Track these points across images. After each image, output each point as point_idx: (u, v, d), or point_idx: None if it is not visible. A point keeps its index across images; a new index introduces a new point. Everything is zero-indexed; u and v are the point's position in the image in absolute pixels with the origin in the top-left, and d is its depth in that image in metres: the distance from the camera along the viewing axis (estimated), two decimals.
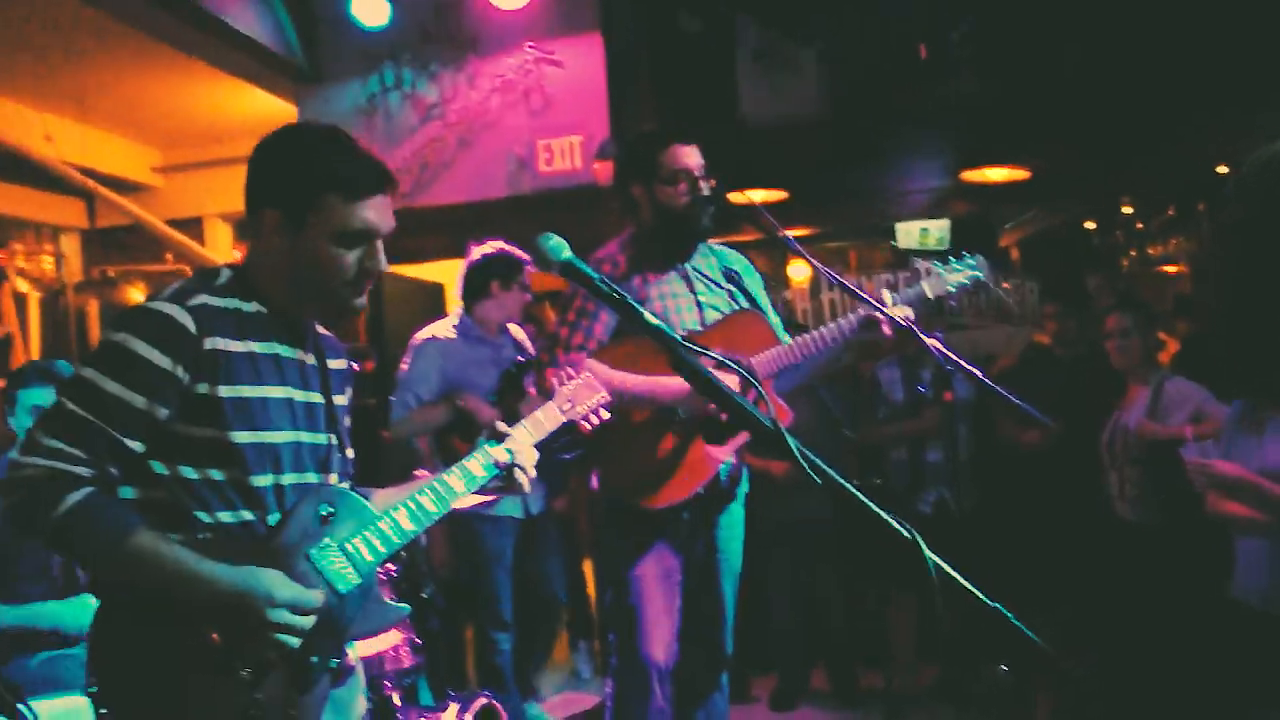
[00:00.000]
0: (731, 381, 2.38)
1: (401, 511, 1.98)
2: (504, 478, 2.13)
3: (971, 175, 6.64)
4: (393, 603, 2.04)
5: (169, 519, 1.76)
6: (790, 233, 3.14)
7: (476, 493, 2.11)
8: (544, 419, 2.24)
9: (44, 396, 3.08)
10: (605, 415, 2.35)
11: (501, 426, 2.16)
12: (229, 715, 1.71)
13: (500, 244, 4.50)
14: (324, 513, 1.90)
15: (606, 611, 3.29)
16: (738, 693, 4.54)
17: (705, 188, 3.04)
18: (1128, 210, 8.20)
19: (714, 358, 1.61)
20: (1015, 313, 7.30)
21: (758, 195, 6.23)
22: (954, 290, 3.15)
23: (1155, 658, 3.82)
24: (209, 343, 1.78)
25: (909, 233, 7.32)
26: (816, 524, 4.84)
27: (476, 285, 4.49)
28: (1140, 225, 8.22)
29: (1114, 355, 4.44)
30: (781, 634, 5.15)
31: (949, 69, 5.73)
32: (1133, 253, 8.41)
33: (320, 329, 2.07)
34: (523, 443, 2.16)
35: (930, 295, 3.11)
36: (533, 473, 2.15)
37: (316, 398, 1.98)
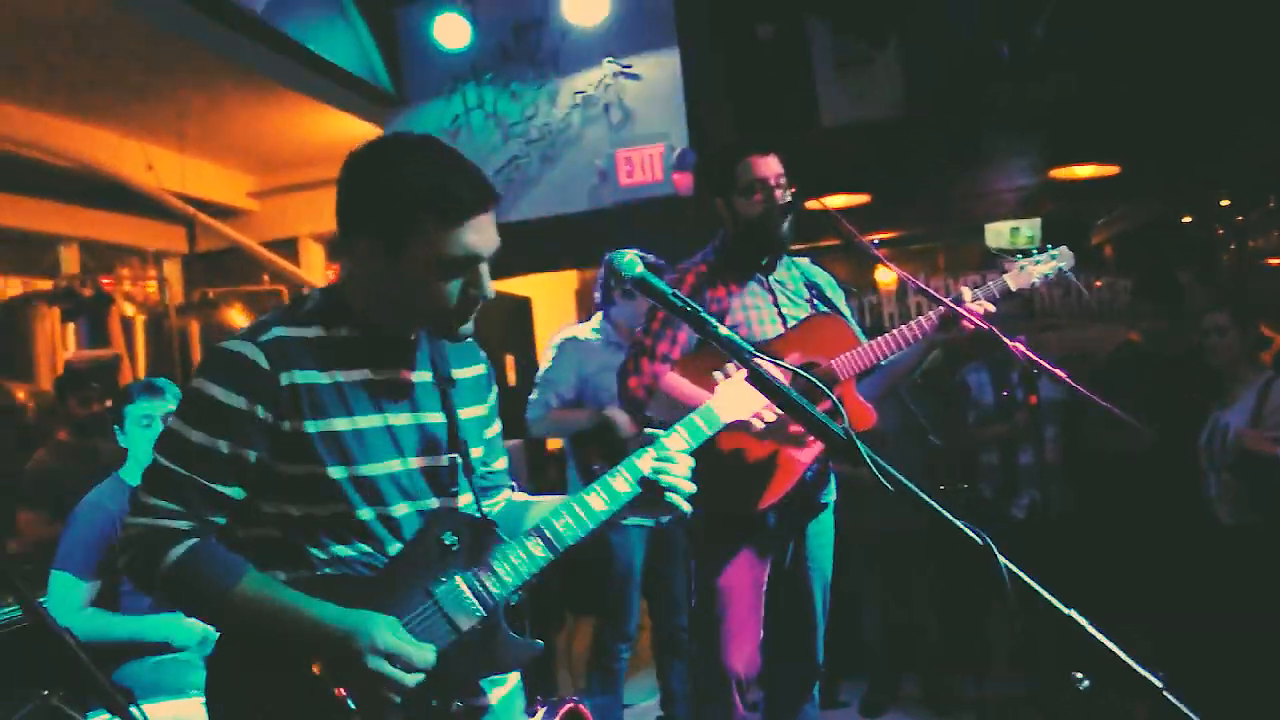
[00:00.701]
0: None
1: (534, 539, 1.80)
2: (649, 495, 1.86)
3: (1060, 172, 6.52)
4: (523, 639, 1.82)
5: (285, 556, 1.71)
6: (874, 236, 3.12)
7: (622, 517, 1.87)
8: (702, 423, 1.96)
9: (149, 408, 3.21)
10: (770, 417, 2.13)
11: (652, 431, 1.92)
12: None
13: (636, 251, 4.46)
14: (448, 542, 1.76)
15: (691, 619, 3.31)
16: (826, 698, 4.51)
17: (783, 197, 3.04)
18: (1225, 203, 7.94)
19: (787, 367, 1.62)
20: (1095, 310, 7.14)
21: (839, 200, 6.21)
22: (1038, 282, 3.07)
23: (1256, 665, 3.70)
24: (285, 378, 1.67)
25: (999, 233, 7.20)
26: (907, 530, 4.79)
27: (609, 290, 4.46)
28: (1240, 219, 7.95)
29: (1210, 353, 4.32)
30: (871, 640, 5.11)
31: (1032, 65, 5.63)
32: (1233, 246, 8.13)
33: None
34: (677, 450, 1.90)
35: (1013, 288, 3.04)
36: (688, 485, 1.88)
37: (433, 417, 1.82)
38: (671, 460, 1.86)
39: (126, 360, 6.94)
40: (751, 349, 1.62)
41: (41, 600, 3.24)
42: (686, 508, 1.86)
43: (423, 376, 1.83)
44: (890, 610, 5.11)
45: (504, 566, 1.77)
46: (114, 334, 6.95)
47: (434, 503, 1.80)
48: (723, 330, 1.63)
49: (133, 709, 1.27)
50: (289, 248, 9.18)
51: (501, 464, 2.01)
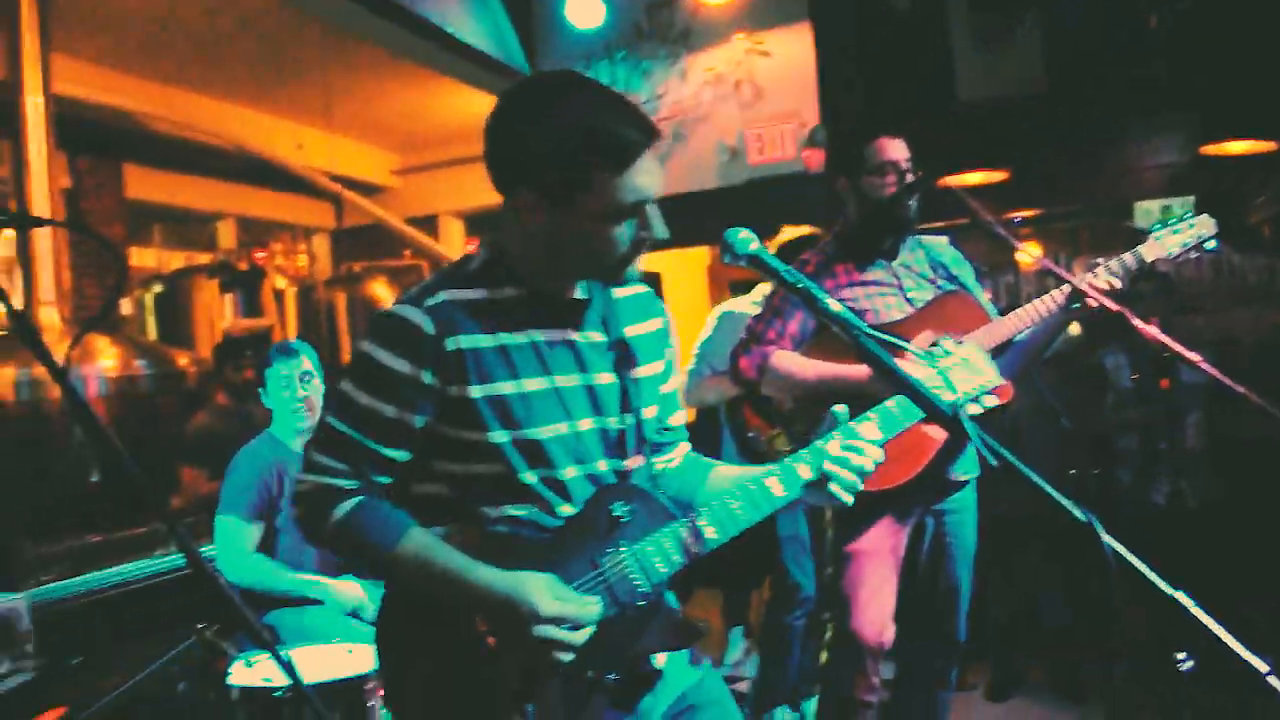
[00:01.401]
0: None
1: (706, 520, 1.73)
2: (826, 483, 1.77)
3: (1212, 149, 6.23)
4: (686, 619, 1.77)
5: (454, 513, 1.71)
6: (1013, 215, 3.05)
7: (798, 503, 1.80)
8: (896, 411, 1.83)
9: (287, 368, 3.40)
10: (993, 401, 1.98)
11: (840, 410, 1.82)
12: (501, 715, 1.63)
13: (809, 228, 4.46)
14: (619, 514, 1.71)
15: (826, 588, 3.32)
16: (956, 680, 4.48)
17: (911, 179, 3.01)
18: None
19: (900, 345, 1.63)
20: (1253, 291, 6.79)
21: (976, 177, 6.08)
22: (1176, 253, 2.90)
23: None
24: (451, 342, 1.64)
25: (1149, 211, 6.94)
26: (1040, 513, 4.69)
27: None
28: None
29: None
30: (997, 624, 5.04)
31: (1182, 35, 5.39)
32: None
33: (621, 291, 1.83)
34: (869, 439, 1.79)
35: (1148, 259, 2.87)
36: (855, 479, 1.77)
37: (603, 378, 1.76)
38: (859, 451, 1.77)
39: (279, 330, 7.32)
40: (862, 324, 1.63)
41: (204, 548, 3.49)
42: (848, 500, 1.77)
43: (593, 337, 1.77)
44: (1017, 593, 5.02)
45: (673, 545, 1.72)
46: (267, 305, 7.34)
47: (603, 465, 1.75)
48: (833, 306, 1.64)
49: (280, 650, 1.39)
50: (429, 224, 9.47)
51: (678, 419, 1.93)
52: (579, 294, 1.75)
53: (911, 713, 3.26)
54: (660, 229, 1.66)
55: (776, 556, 4.40)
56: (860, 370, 2.74)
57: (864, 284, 3.06)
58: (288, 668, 1.36)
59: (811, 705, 4.29)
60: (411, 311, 1.65)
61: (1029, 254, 2.84)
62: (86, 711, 1.43)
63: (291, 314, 7.62)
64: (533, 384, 1.69)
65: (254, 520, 3.28)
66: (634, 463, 1.80)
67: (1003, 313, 3.08)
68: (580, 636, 1.61)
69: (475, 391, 1.65)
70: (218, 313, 7.13)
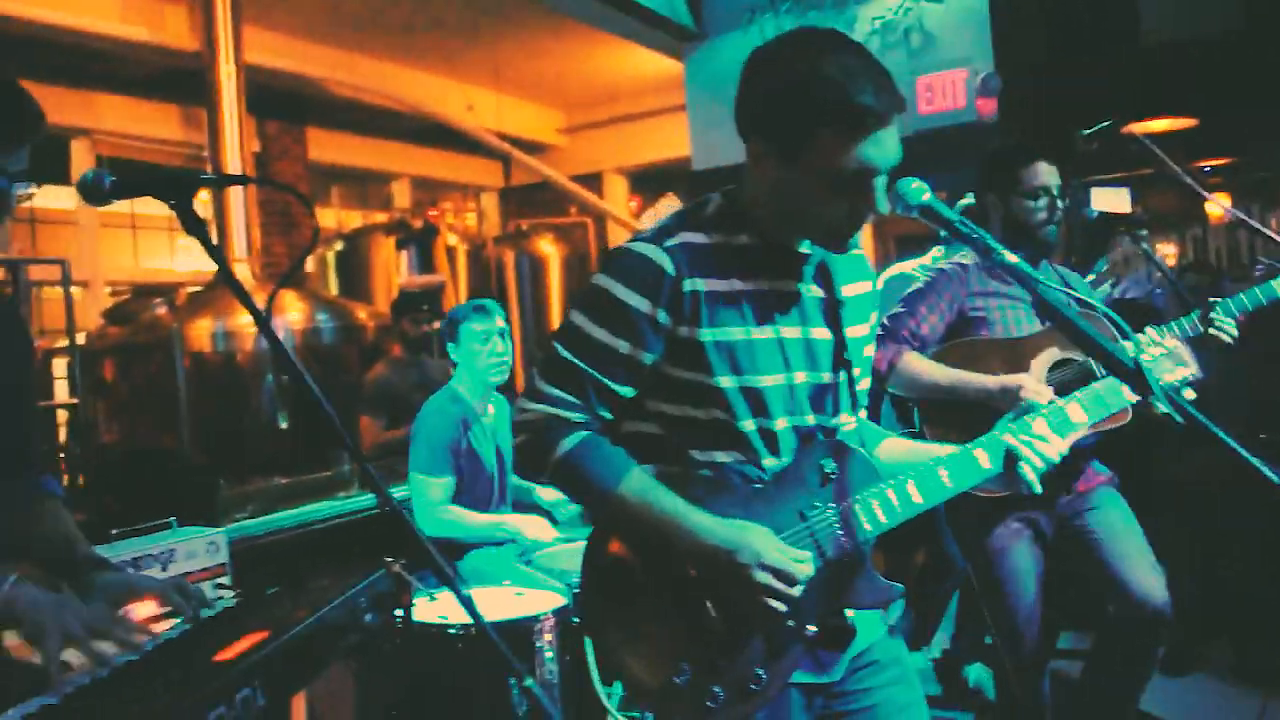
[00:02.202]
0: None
1: (912, 482, 1.74)
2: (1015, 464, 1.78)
3: None
4: (884, 580, 1.77)
5: (662, 453, 1.72)
6: (1202, 164, 2.91)
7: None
8: (1105, 394, 1.81)
9: (484, 323, 3.52)
10: (1190, 395, 1.95)
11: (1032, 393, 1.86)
12: (699, 660, 1.64)
13: (965, 201, 4.38)
14: (828, 469, 1.73)
15: (974, 583, 3.26)
16: None
17: (1060, 207, 2.94)
18: None
19: (1085, 297, 1.58)
20: None
21: (1161, 124, 5.74)
22: None
23: None
24: (689, 284, 1.64)
25: None
26: (1211, 484, 4.45)
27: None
28: None
29: None
30: (1180, 597, 4.81)
31: None
32: None
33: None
34: (1075, 420, 1.78)
35: None
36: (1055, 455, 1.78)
37: (820, 333, 1.76)
38: (1044, 440, 1.78)
39: (451, 285, 7.57)
40: (1039, 276, 1.58)
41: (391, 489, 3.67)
42: (1036, 486, 1.77)
43: (813, 291, 1.76)
44: (1191, 567, 4.79)
45: (880, 504, 1.72)
46: (439, 261, 7.59)
47: (811, 419, 1.75)
48: (1009, 257, 1.60)
49: (459, 587, 1.47)
50: (594, 181, 9.60)
51: (865, 384, 1.91)
52: (803, 246, 1.74)
53: (1102, 688, 3.17)
54: (883, 203, 1.61)
55: (935, 525, 4.34)
56: (990, 381, 2.72)
57: (995, 295, 2.98)
58: (468, 604, 1.42)
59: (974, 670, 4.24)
60: (653, 250, 1.65)
61: (1218, 205, 2.69)
62: (284, 636, 1.53)
63: (462, 270, 7.87)
64: (759, 332, 1.70)
65: (447, 475, 3.42)
66: (839, 419, 1.80)
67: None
68: (797, 588, 1.62)
69: (705, 335, 1.66)
70: (394, 269, 7.42)
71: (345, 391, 5.06)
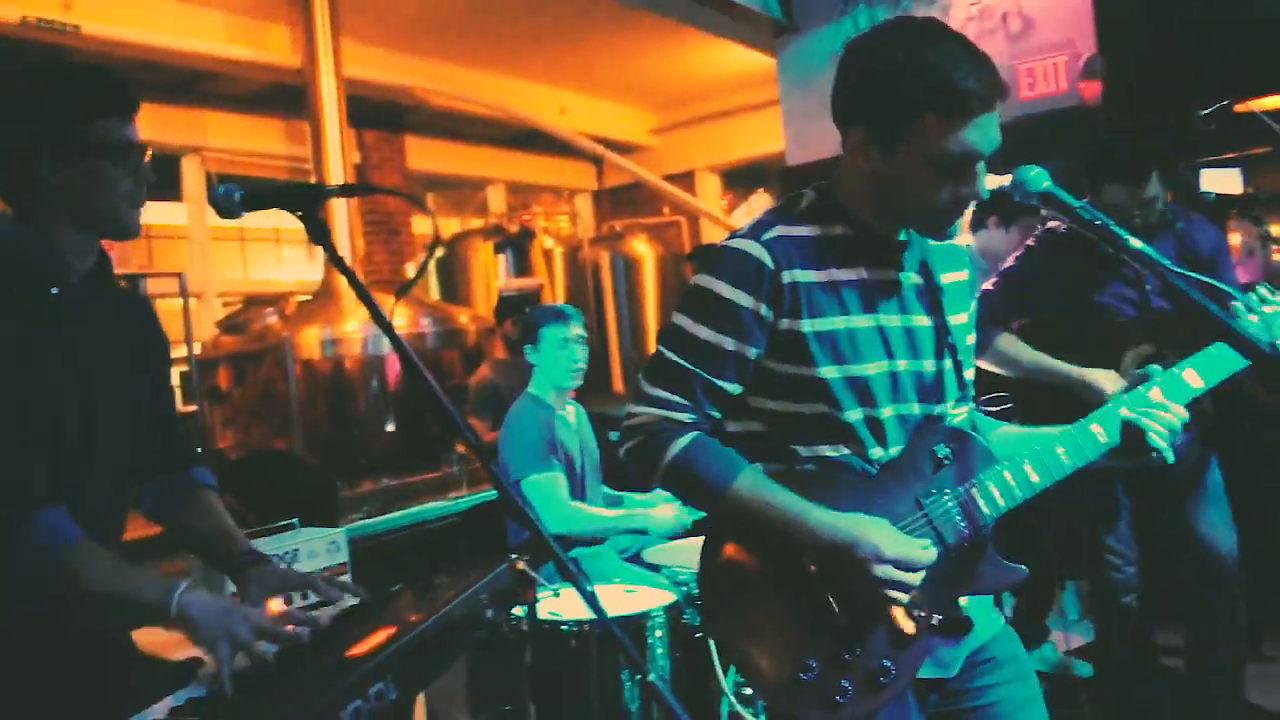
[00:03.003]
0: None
1: (1029, 462, 1.74)
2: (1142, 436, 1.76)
3: None
4: (1008, 562, 1.76)
5: (768, 450, 1.73)
6: None
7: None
8: (1217, 356, 1.82)
9: (564, 330, 3.56)
10: None
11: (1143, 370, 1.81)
12: (825, 655, 1.65)
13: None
14: (941, 455, 1.73)
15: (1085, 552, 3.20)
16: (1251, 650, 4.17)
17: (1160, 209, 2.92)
18: None
19: (1204, 279, 1.54)
20: None
21: (1274, 101, 5.51)
22: None
23: None
24: (788, 276, 1.66)
25: None
26: None
27: (976, 215, 4.35)
28: None
29: None
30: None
31: None
32: None
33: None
34: (1191, 386, 1.77)
35: None
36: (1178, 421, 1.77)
37: (921, 320, 1.76)
38: (1164, 407, 1.77)
39: (549, 288, 7.66)
40: (1165, 262, 1.55)
41: (486, 494, 3.72)
42: (1169, 454, 1.76)
43: (912, 279, 1.77)
44: None
45: (996, 487, 1.72)
46: (535, 265, 7.69)
47: (917, 408, 1.75)
48: (1134, 243, 1.57)
49: (582, 582, 1.49)
50: (686, 180, 9.60)
51: (970, 373, 1.90)
52: (901, 235, 1.75)
53: (1208, 680, 3.10)
54: (983, 188, 1.62)
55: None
56: (1074, 371, 2.81)
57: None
58: (592, 600, 1.45)
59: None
60: (751, 245, 1.67)
61: None
62: (413, 631, 1.58)
63: (559, 272, 7.96)
64: (859, 321, 1.70)
65: (557, 469, 3.44)
66: (946, 407, 1.79)
67: None
68: (917, 578, 1.62)
69: (806, 326, 1.67)
70: (492, 273, 7.54)
71: (450, 393, 5.15)
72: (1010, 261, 3.08)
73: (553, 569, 3.38)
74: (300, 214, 1.58)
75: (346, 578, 2.86)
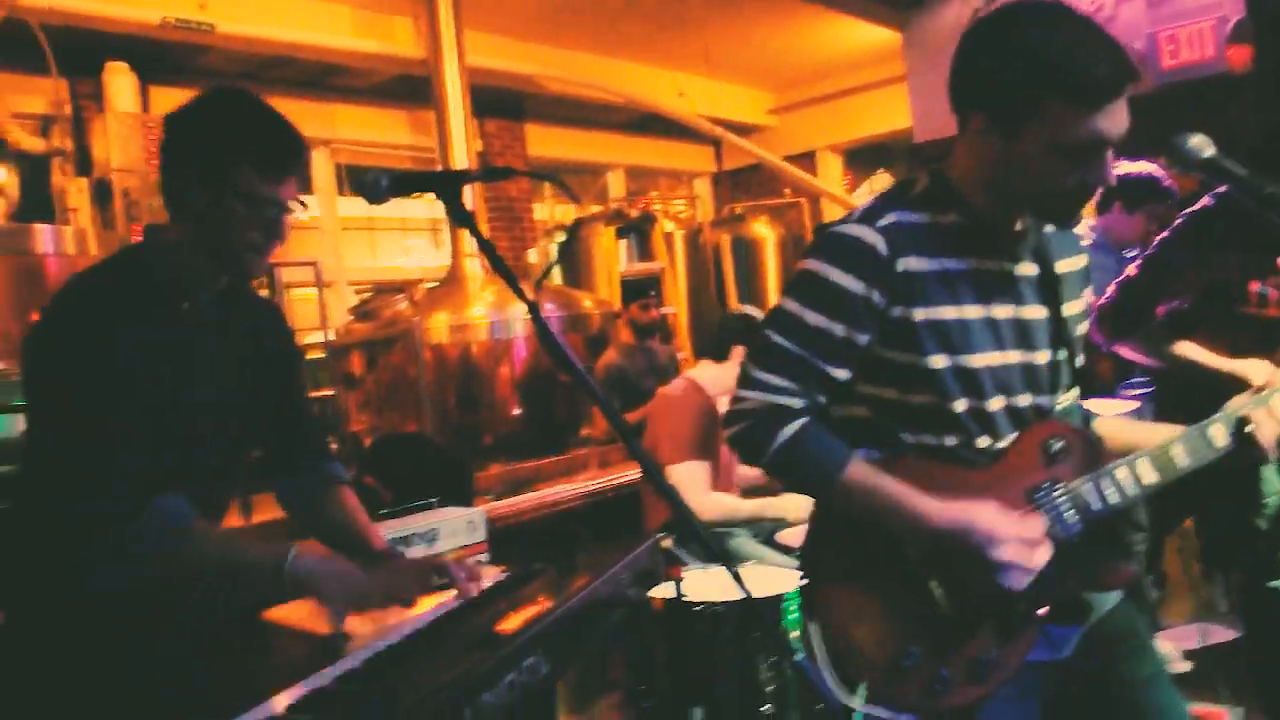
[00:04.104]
0: None
1: (1144, 461, 1.70)
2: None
3: None
4: (1118, 560, 1.75)
5: (872, 436, 1.72)
6: None
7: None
8: None
9: None
10: None
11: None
12: (927, 643, 1.64)
13: (1148, 167, 4.15)
14: (1053, 450, 1.70)
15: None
16: None
17: None
18: None
19: None
20: None
21: None
22: None
23: None
24: (901, 264, 1.63)
25: None
26: None
27: (1102, 198, 4.22)
28: None
29: None
30: None
31: None
32: None
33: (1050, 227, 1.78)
34: None
35: None
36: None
37: (1034, 312, 1.73)
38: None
39: (670, 272, 7.67)
40: None
41: (619, 475, 3.75)
42: (1272, 456, 1.75)
43: (1026, 269, 1.73)
44: None
45: (1110, 484, 1.69)
46: (657, 249, 7.70)
47: (1026, 400, 1.73)
48: None
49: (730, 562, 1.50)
50: (807, 160, 9.50)
51: (1079, 363, 1.87)
52: (1018, 225, 1.71)
53: None
54: (1110, 175, 1.58)
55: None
56: (1224, 364, 2.68)
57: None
58: (739, 579, 1.45)
59: None
60: (865, 231, 1.65)
61: None
62: (561, 608, 1.60)
63: (680, 256, 7.95)
64: (971, 311, 1.67)
65: (703, 459, 3.48)
66: (1055, 399, 1.76)
67: None
68: (1039, 558, 1.59)
69: (918, 315, 1.64)
70: (613, 258, 7.58)
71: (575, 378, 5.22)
72: (1154, 245, 2.96)
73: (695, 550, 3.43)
74: (444, 198, 1.63)
75: (485, 557, 2.92)
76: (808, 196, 9.14)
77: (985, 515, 1.58)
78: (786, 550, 3.28)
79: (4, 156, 5.43)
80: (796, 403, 1.66)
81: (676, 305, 7.54)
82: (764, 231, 8.28)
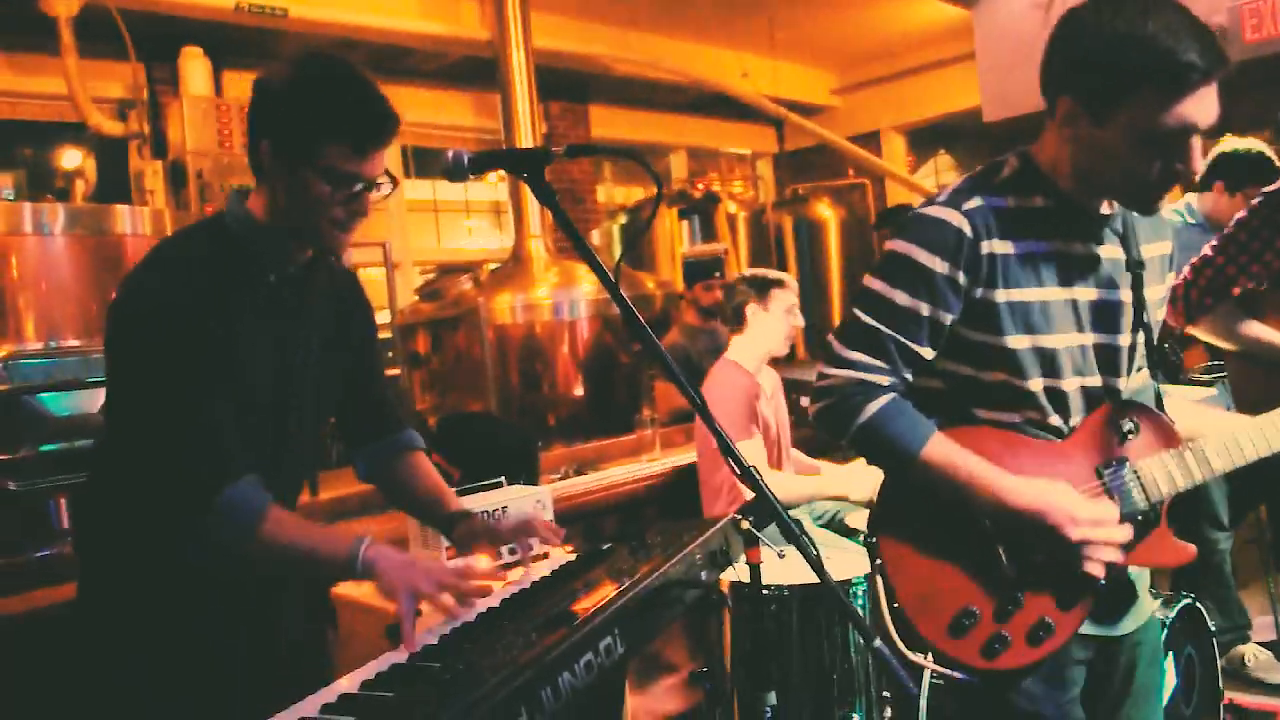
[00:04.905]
0: None
1: (1213, 444, 1.75)
2: None
3: None
4: (1180, 540, 1.78)
5: (945, 409, 1.75)
6: None
7: None
8: None
9: (787, 300, 3.57)
10: None
11: None
12: (989, 605, 1.70)
13: (1257, 145, 4.02)
14: (1126, 429, 1.75)
15: None
16: None
17: None
18: None
19: None
20: None
21: None
22: None
23: None
24: (986, 246, 1.67)
25: None
26: None
27: (1205, 176, 4.11)
28: None
29: None
30: None
31: None
32: None
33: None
34: None
35: None
36: None
37: (1116, 296, 1.75)
38: None
39: (733, 253, 7.64)
40: None
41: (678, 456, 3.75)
42: None
43: (1111, 253, 1.76)
44: None
45: (1177, 467, 1.74)
46: (720, 230, 7.68)
47: (1100, 380, 1.76)
48: None
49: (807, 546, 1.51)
50: (871, 141, 9.38)
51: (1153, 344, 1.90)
52: (1104, 209, 1.74)
53: None
54: (1197, 164, 1.59)
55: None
56: None
57: None
58: (817, 564, 1.45)
59: None
60: (951, 214, 1.69)
61: None
62: (636, 588, 1.61)
63: (743, 237, 7.92)
64: (1053, 293, 1.71)
65: (758, 439, 3.48)
66: (1127, 381, 1.80)
67: None
68: (1121, 533, 1.66)
69: (1000, 296, 1.68)
70: (676, 239, 7.57)
71: (637, 359, 5.23)
72: (1231, 225, 2.90)
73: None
74: (529, 176, 1.63)
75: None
76: (871, 178, 9.03)
77: (1063, 499, 1.64)
78: (850, 533, 3.27)
79: (84, 140, 5.56)
80: (885, 379, 1.71)
81: None
82: (826, 213, 8.22)
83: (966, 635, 1.70)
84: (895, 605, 1.73)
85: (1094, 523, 1.63)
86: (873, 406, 1.69)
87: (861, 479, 3.33)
